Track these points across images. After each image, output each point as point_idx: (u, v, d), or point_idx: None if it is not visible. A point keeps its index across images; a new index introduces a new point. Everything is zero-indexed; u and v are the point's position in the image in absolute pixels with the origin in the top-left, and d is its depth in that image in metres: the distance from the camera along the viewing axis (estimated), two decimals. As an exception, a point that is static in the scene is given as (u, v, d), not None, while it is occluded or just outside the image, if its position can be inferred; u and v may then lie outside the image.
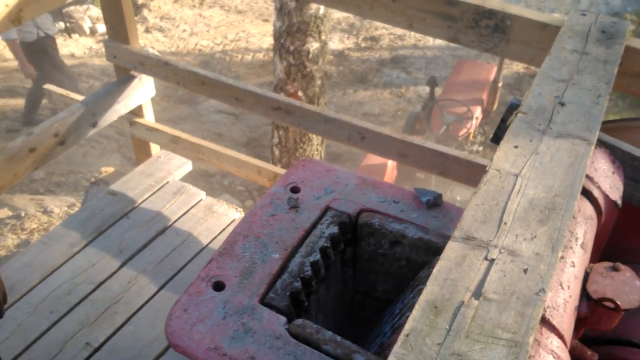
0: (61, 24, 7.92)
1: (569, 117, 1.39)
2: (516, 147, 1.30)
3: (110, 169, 3.24)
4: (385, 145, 2.40)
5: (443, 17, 1.98)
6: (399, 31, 9.77)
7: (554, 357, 1.02)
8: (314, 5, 3.87)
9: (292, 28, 3.87)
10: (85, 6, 8.50)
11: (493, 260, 1.04)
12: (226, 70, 7.99)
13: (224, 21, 9.13)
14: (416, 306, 0.96)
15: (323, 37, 4.03)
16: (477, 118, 6.07)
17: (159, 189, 3.06)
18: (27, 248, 2.72)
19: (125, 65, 2.82)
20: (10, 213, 4.14)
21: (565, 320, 1.12)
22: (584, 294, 1.20)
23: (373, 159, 5.31)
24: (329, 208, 1.71)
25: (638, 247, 1.62)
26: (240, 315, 1.42)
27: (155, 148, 3.22)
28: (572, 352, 1.24)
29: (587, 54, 1.61)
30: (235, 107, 2.62)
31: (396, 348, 0.90)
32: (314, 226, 1.66)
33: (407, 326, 0.93)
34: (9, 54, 7.43)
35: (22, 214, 4.10)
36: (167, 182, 3.10)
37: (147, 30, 8.53)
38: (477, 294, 0.98)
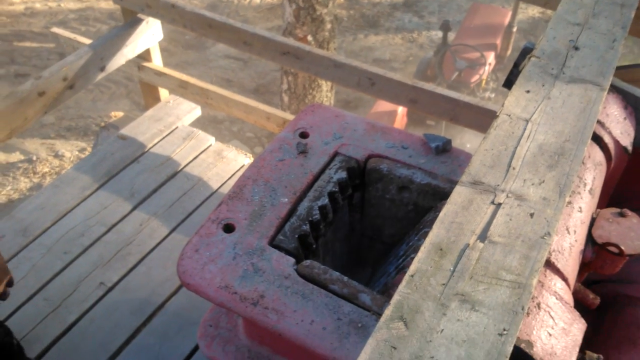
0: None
1: (582, 62, 1.36)
2: (528, 91, 1.28)
3: (120, 114, 3.25)
4: (396, 91, 2.37)
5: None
6: (413, -26, 9.48)
7: (557, 298, 1.04)
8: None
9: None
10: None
11: (500, 204, 1.05)
12: (234, 14, 7.84)
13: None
14: (422, 248, 0.98)
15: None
16: (490, 64, 5.96)
17: (168, 134, 3.07)
18: (39, 191, 2.77)
19: (132, 7, 2.78)
20: (22, 157, 4.18)
21: (570, 264, 1.13)
22: (589, 238, 1.21)
23: (383, 106, 5.26)
24: (338, 153, 1.71)
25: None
26: (249, 256, 1.45)
27: (163, 93, 3.21)
28: (575, 294, 1.27)
29: (605, -4, 1.57)
30: (243, 52, 2.59)
31: (401, 287, 0.92)
32: (322, 171, 1.67)
33: (412, 267, 0.95)
34: (15, -3, 7.32)
35: (34, 157, 4.13)
36: (177, 127, 3.11)
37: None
38: (483, 237, 1.00)
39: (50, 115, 5.67)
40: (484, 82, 6.00)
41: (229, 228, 1.51)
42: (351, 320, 1.34)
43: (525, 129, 1.20)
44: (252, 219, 1.53)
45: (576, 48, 1.40)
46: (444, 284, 0.93)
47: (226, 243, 1.48)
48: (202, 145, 3.04)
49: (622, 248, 1.17)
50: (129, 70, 3.07)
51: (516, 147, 1.16)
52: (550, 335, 0.99)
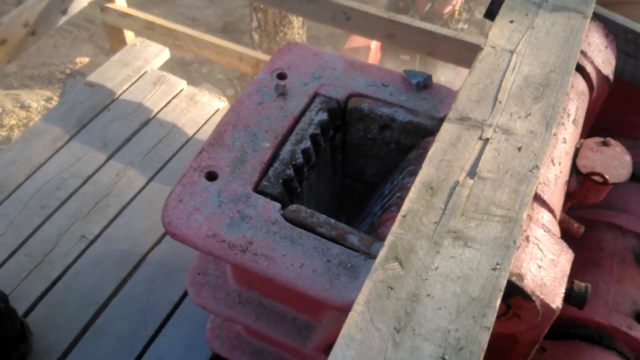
0: None
1: (565, -11, 1.33)
2: (511, 21, 1.25)
3: (85, 60, 3.12)
4: (372, 25, 2.32)
5: None
6: None
7: (544, 230, 1.05)
8: None
9: None
10: None
11: (487, 139, 1.04)
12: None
13: None
14: (412, 188, 0.97)
15: None
16: (461, -7, 5.85)
17: (138, 79, 2.97)
18: (9, 145, 2.68)
19: (89, -55, 2.62)
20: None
21: (555, 196, 1.15)
22: (574, 168, 1.22)
23: (356, 41, 5.16)
24: (318, 94, 1.68)
25: (627, 122, 1.63)
26: (235, 203, 1.43)
27: (129, 35, 3.08)
28: (560, 224, 1.29)
29: None
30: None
31: (394, 228, 0.92)
32: (302, 113, 1.63)
33: (404, 207, 0.95)
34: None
35: (0, 110, 3.99)
36: (146, 72, 3.01)
37: None
38: (472, 173, 1.00)
39: (12, 64, 5.43)
40: (456, 12, 5.91)
41: (211, 176, 1.49)
42: (340, 261, 1.35)
43: (510, 61, 1.18)
44: (234, 165, 1.51)
45: (558, -26, 1.37)
46: (436, 222, 0.93)
47: (210, 191, 1.45)
48: (174, 90, 2.96)
49: (606, 177, 1.19)
50: (91, 12, 2.93)
51: (502, 80, 1.14)
52: (539, 267, 1.01)
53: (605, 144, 1.25)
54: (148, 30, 2.90)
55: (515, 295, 0.99)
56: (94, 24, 6.03)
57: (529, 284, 0.98)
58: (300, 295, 1.30)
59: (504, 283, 0.87)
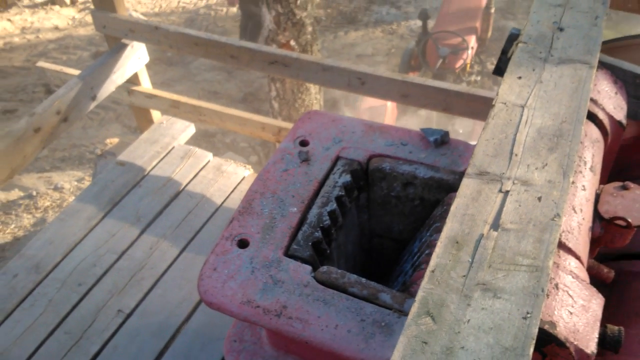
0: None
1: (568, 42, 1.40)
2: (520, 77, 1.31)
3: (115, 140, 3.26)
4: (386, 88, 2.40)
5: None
6: (384, -35, 9.52)
7: (572, 277, 1.07)
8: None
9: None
10: (61, -25, 8.28)
11: (507, 192, 1.08)
12: (213, 26, 7.87)
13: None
14: (438, 243, 1.01)
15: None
16: (472, 48, 6.00)
17: (166, 155, 3.09)
18: (45, 226, 2.79)
19: (116, 34, 2.80)
20: (22, 194, 4.20)
21: (580, 242, 1.17)
22: (597, 215, 1.24)
23: (372, 101, 5.30)
24: (340, 157, 1.74)
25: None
26: (267, 269, 1.47)
27: (156, 114, 3.23)
28: (589, 270, 1.30)
29: (582, -25, 1.60)
30: (232, 65, 2.61)
31: (424, 284, 0.95)
32: (326, 177, 1.69)
33: (432, 262, 0.98)
34: (-8, 34, 7.31)
35: (34, 193, 4.15)
36: (173, 147, 3.13)
37: (128, -7, 8.35)
38: (495, 225, 1.03)
39: (43, 148, 5.67)
40: (468, 65, 6.04)
41: (243, 243, 1.54)
42: (374, 320, 1.37)
43: (522, 115, 1.23)
44: (264, 232, 1.56)
45: (561, 29, 1.43)
46: (464, 276, 0.96)
47: (242, 258, 1.50)
48: (201, 162, 3.07)
49: (630, 220, 1.21)
50: (119, 95, 3.09)
51: (516, 134, 1.19)
52: (571, 313, 1.02)
53: (624, 187, 1.27)
54: (174, 109, 3.04)
55: (549, 343, 1.00)
56: (120, 105, 6.30)
57: (562, 331, 0.99)
58: (337, 356, 1.32)
59: (535, 331, 0.88)
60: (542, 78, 1.31)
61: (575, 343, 0.99)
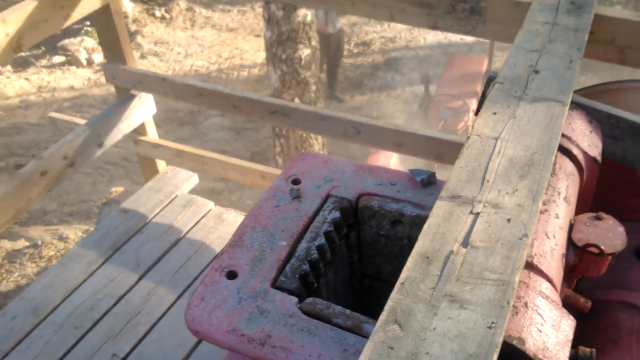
0: (59, 58, 8.11)
1: (543, 83, 1.48)
2: (495, 113, 1.39)
3: (120, 189, 3.36)
4: (380, 137, 2.49)
5: (421, 5, 2.08)
6: (390, 33, 9.92)
7: (543, 297, 1.10)
8: (301, 13, 3.99)
9: (282, 37, 3.98)
10: (79, 38, 8.69)
11: (478, 213, 1.13)
12: (223, 84, 8.14)
13: (217, 40, 9.30)
14: (409, 258, 1.05)
15: (313, 43, 4.15)
16: (473, 110, 6.16)
17: (168, 203, 3.17)
18: (47, 270, 2.83)
19: (125, 85, 2.94)
20: (27, 243, 4.26)
21: (553, 267, 1.20)
22: (570, 242, 1.28)
23: (377, 157, 5.41)
24: (330, 195, 1.80)
25: (631, 205, 1.70)
26: (254, 299, 1.50)
27: (161, 164, 3.33)
28: (566, 300, 1.32)
29: (558, 24, 1.70)
30: (234, 115, 2.73)
31: (393, 294, 0.99)
32: (316, 213, 1.74)
33: (402, 275, 1.02)
34: (10, 92, 7.61)
35: (39, 242, 4.21)
36: (176, 196, 3.21)
37: (142, 56, 8.71)
38: (465, 243, 1.07)
39: (52, 202, 5.79)
40: (469, 127, 6.18)
41: (232, 274, 1.57)
42: (357, 350, 1.38)
43: (495, 146, 1.29)
44: (253, 264, 1.60)
45: (536, 72, 1.52)
46: (432, 288, 0.99)
47: (230, 289, 1.54)
48: (202, 210, 3.13)
49: (602, 248, 1.24)
50: (126, 145, 3.21)
51: (488, 163, 1.25)
52: (540, 331, 1.05)
53: (598, 218, 1.31)
54: (178, 158, 3.14)
55: (518, 358, 1.02)
56: (130, 162, 6.45)
57: (531, 347, 1.01)
58: (319, 384, 1.33)
59: (499, 340, 0.91)
60: (516, 114, 1.38)
61: (544, 357, 1.01)
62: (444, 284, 1.00)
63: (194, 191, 3.28)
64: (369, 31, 10.07)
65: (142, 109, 3.05)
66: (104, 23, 2.80)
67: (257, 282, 1.55)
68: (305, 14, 4.02)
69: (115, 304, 2.65)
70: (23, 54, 9.36)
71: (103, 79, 7.91)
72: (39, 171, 2.53)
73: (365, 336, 1.41)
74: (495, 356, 0.89)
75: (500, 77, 1.50)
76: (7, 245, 4.12)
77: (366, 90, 8.55)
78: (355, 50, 9.57)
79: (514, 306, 1.07)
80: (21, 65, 8.65)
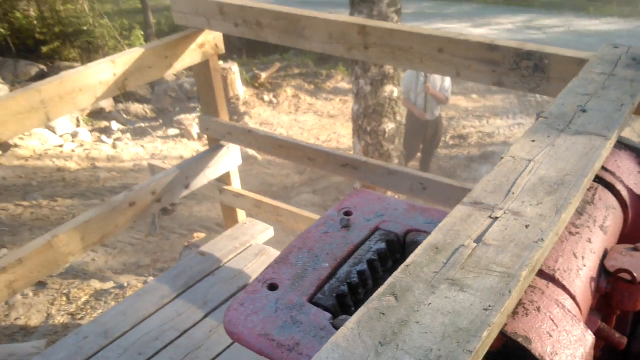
0: (174, 131, 8.89)
1: (589, 120, 1.49)
2: (533, 141, 1.41)
3: (202, 235, 3.56)
4: (447, 194, 2.52)
5: (486, 63, 2.17)
6: (488, 129, 9.94)
7: (559, 306, 1.07)
8: (388, 89, 4.19)
9: (369, 110, 4.18)
10: (194, 115, 9.51)
11: (497, 218, 1.15)
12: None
13: (317, 125, 9.79)
14: (419, 247, 1.08)
15: (398, 119, 4.30)
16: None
17: (242, 251, 3.31)
18: (124, 299, 3.02)
19: (215, 135, 3.21)
20: (114, 284, 4.56)
21: (577, 285, 1.17)
22: (602, 269, 1.24)
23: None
24: (378, 228, 1.85)
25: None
26: (290, 310, 1.56)
27: (241, 214, 3.52)
28: (600, 333, 1.26)
29: (615, 75, 1.72)
30: (308, 167, 2.88)
31: (396, 274, 1.02)
32: (363, 242, 1.80)
33: (408, 260, 1.05)
34: (126, 156, 8.39)
35: (125, 284, 4.49)
36: (251, 245, 3.35)
37: (247, 136, 9.33)
38: (478, 240, 1.09)
39: (147, 257, 6.17)
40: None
41: (272, 287, 1.65)
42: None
43: (527, 167, 1.31)
44: (294, 280, 1.67)
45: (584, 111, 1.54)
46: (435, 272, 1.02)
47: (269, 299, 1.60)
48: (272, 259, 3.23)
49: (635, 275, 1.19)
50: (211, 193, 3.44)
51: (517, 179, 1.27)
52: (550, 336, 1.02)
53: (635, 249, 1.27)
54: (256, 208, 3.31)
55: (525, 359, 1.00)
56: (222, 227, 6.78)
57: (537, 348, 0.99)
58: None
59: (494, 320, 0.91)
60: (555, 143, 1.40)
61: (551, 360, 0.98)
62: (447, 270, 1.02)
63: (267, 242, 3.41)
64: (467, 125, 10.16)
65: (229, 159, 3.29)
66: (203, 78, 3.13)
67: (295, 296, 1.61)
68: (392, 90, 4.22)
69: (178, 337, 2.76)
70: (143, 124, 10.37)
71: (209, 152, 8.54)
72: (128, 202, 2.79)
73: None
74: (486, 334, 0.89)
75: (546, 113, 1.54)
76: (97, 285, 4.43)
77: (459, 180, 8.51)
78: (451, 142, 9.65)
79: (525, 308, 1.06)
80: (140, 134, 9.55)
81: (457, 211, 1.17)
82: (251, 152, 8.71)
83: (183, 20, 3.04)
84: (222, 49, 3.18)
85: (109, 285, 4.49)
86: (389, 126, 4.28)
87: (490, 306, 0.93)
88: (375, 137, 4.27)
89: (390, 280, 1.00)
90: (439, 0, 17.12)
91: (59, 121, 10.27)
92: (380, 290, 0.98)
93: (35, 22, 14.69)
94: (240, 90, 11.09)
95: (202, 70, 3.14)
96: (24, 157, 8.93)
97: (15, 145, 9.11)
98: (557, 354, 1.00)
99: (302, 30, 2.66)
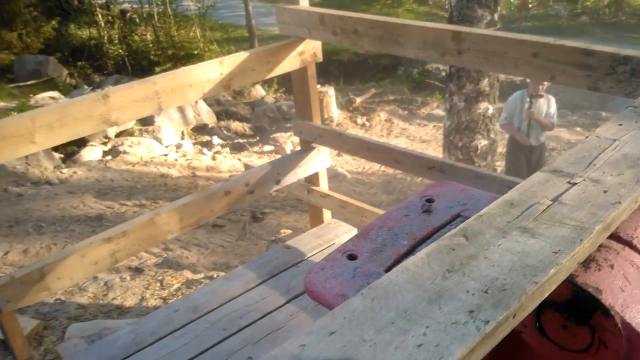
0: (269, 147, 9.25)
1: (683, 109, 1.47)
2: (620, 124, 1.42)
3: (288, 231, 3.71)
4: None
5: (581, 67, 2.16)
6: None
7: (632, 266, 1.08)
8: (482, 106, 4.19)
9: (461, 126, 4.19)
10: (289, 133, 9.86)
11: (575, 183, 1.18)
12: (406, 189, 8.46)
13: (409, 148, 9.81)
14: (493, 203, 1.13)
15: (492, 136, 4.27)
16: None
17: (325, 248, 3.42)
18: (214, 280, 3.21)
19: (308, 138, 3.37)
20: (204, 276, 4.81)
21: (658, 256, 1.16)
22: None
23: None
24: (460, 215, 1.89)
25: None
26: (367, 277, 1.64)
27: (327, 214, 3.64)
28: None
29: None
30: (395, 168, 2.96)
31: (469, 220, 1.08)
32: (443, 226, 1.84)
33: (482, 211, 1.11)
34: (223, 167, 8.82)
35: (215, 275, 4.72)
36: (334, 244, 3.45)
37: (339, 154, 9.51)
38: (554, 200, 1.13)
39: (234, 259, 6.43)
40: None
41: (352, 257, 1.73)
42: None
43: (612, 144, 1.33)
44: (373, 253, 1.74)
45: (679, 102, 1.52)
46: (508, 221, 1.07)
47: (348, 266, 1.69)
48: (355, 259, 3.32)
49: None
50: (300, 193, 3.59)
51: (600, 154, 1.29)
52: (622, 291, 1.03)
53: None
54: (341, 208, 3.42)
55: (594, 311, 1.01)
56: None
57: (608, 298, 1.01)
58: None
59: (562, 261, 0.95)
60: (644, 127, 1.40)
61: (622, 314, 0.99)
62: (520, 221, 1.06)
63: (351, 242, 3.50)
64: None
65: (319, 161, 3.43)
66: (300, 83, 3.31)
67: (373, 266, 1.68)
68: (487, 107, 4.21)
69: (261, 318, 2.90)
70: (241, 140, 10.87)
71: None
72: (224, 190, 2.98)
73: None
74: (554, 271, 0.93)
75: (635, 103, 1.53)
76: (189, 275, 4.69)
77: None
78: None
79: (598, 264, 1.08)
80: (237, 149, 10.01)
81: (535, 176, 1.21)
82: (340, 169, 8.88)
83: (286, 30, 3.24)
84: (320, 57, 3.35)
85: (200, 276, 4.74)
86: (482, 142, 4.26)
87: (560, 250, 0.97)
88: (466, 153, 4.27)
89: (462, 225, 1.06)
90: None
91: (166, 132, 11.04)
92: (452, 232, 1.05)
93: (150, 45, 15.92)
94: (335, 112, 11.36)
95: (299, 76, 3.32)
96: (131, 162, 9.61)
97: (125, 152, 9.84)
98: (627, 307, 1.01)
99: (397, 37, 2.76)
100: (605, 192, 1.14)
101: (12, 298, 2.50)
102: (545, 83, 5.59)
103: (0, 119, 2.54)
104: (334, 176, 8.48)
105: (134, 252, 2.85)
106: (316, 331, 0.85)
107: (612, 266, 1.06)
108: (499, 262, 0.95)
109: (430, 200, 1.98)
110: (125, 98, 2.68)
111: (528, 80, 5.50)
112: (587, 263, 1.06)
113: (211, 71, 2.91)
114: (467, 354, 0.77)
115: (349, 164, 9.32)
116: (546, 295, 0.92)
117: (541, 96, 5.57)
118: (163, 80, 2.81)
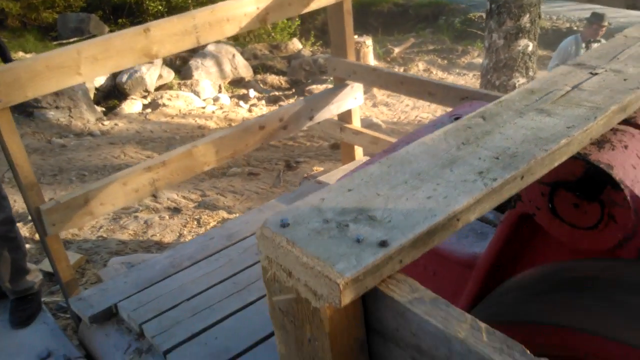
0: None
1: None
2: (650, 26, 1.40)
3: (320, 168, 3.77)
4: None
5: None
6: None
7: (649, 151, 1.09)
8: (522, 42, 4.10)
9: (499, 64, 4.12)
10: (324, 85, 9.85)
11: (597, 73, 1.19)
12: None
13: (446, 99, 9.67)
14: (515, 90, 1.16)
15: (531, 74, 4.19)
16: None
17: (357, 184, 3.48)
18: (247, 211, 3.32)
19: (341, 75, 3.38)
20: (238, 215, 4.96)
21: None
22: None
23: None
24: (487, 132, 1.91)
25: None
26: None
27: (359, 152, 3.68)
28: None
29: None
30: (428, 101, 2.96)
31: (488, 105, 1.11)
32: (470, 142, 1.87)
33: (502, 97, 1.13)
34: (222, 124, 8.89)
35: (250, 216, 4.87)
36: (366, 180, 3.51)
37: (374, 105, 9.48)
38: (574, 87, 1.14)
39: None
40: None
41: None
42: (472, 227, 1.47)
43: (638, 42, 1.32)
44: (400, 165, 1.79)
45: None
46: (527, 105, 1.09)
47: (375, 177, 1.74)
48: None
49: None
50: (332, 131, 3.64)
51: (625, 50, 1.29)
52: (634, 168, 1.05)
53: None
54: (373, 145, 3.45)
55: (604, 186, 1.04)
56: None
57: (619, 173, 1.03)
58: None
59: (574, 134, 0.97)
60: (674, 27, 1.38)
61: (632, 187, 1.02)
62: (539, 104, 1.09)
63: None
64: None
65: (351, 98, 3.45)
66: (335, 19, 3.30)
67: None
68: (527, 44, 4.12)
69: (292, 246, 2.99)
70: (277, 93, 10.92)
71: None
72: (258, 125, 3.05)
73: (485, 221, 1.49)
74: (564, 141, 0.95)
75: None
76: (225, 215, 4.84)
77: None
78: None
79: (612, 144, 1.09)
80: (273, 101, 10.06)
81: (558, 69, 1.22)
82: (375, 120, 8.85)
83: (322, -37, 3.22)
84: (355, -8, 3.34)
85: (235, 216, 4.88)
86: (520, 81, 4.18)
87: (573, 125, 1.00)
88: (503, 91, 4.20)
89: (481, 109, 1.09)
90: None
91: (204, 86, 11.16)
92: (470, 114, 1.08)
93: (189, 1, 15.94)
94: (372, 63, 11.24)
95: (335, 12, 3.31)
96: (170, 115, 9.78)
97: (164, 105, 10.01)
98: (638, 182, 1.03)
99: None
100: (625, 80, 1.14)
101: (57, 221, 2.64)
102: (604, 27, 5.26)
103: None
104: (369, 126, 8.45)
105: (172, 182, 2.96)
106: (335, 189, 0.91)
107: (626, 147, 1.08)
108: (512, 136, 0.98)
109: (458, 119, 2.00)
110: (165, 32, 2.74)
111: (575, 27, 5.33)
112: (602, 144, 1.08)
113: (248, 6, 2.93)
114: (474, 204, 0.82)
115: (384, 114, 9.27)
116: (556, 165, 0.95)
117: (599, 41, 5.26)
118: (201, 15, 2.85)
